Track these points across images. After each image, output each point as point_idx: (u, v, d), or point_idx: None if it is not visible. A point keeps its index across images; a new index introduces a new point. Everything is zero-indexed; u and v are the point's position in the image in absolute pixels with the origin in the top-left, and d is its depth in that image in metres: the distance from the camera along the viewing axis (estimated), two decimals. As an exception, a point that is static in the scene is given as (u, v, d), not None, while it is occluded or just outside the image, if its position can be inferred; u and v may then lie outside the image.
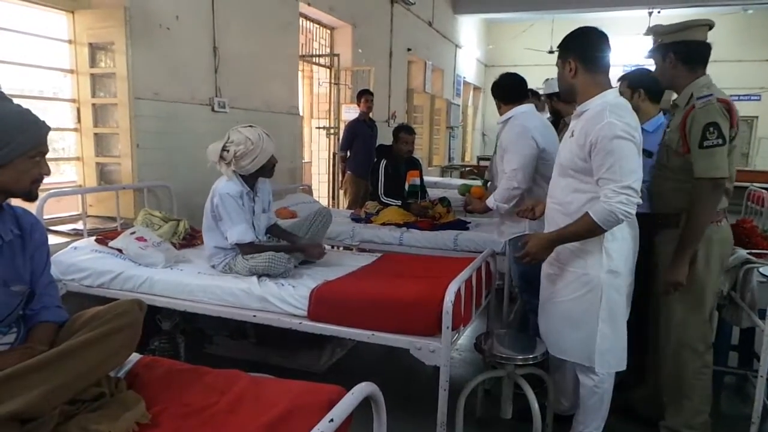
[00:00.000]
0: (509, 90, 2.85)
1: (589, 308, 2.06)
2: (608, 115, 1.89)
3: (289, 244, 2.87)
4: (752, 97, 12.06)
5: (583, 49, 2.03)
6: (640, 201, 1.90)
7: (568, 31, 2.13)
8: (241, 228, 2.65)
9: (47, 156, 1.50)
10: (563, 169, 2.10)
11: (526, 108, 2.80)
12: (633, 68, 2.93)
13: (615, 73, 2.17)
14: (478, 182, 3.24)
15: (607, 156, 1.87)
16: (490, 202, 2.82)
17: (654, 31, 2.28)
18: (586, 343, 2.09)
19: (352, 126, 5.57)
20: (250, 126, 2.72)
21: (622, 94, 2.64)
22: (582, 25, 2.16)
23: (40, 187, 1.53)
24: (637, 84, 2.67)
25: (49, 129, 1.46)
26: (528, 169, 2.67)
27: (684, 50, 2.18)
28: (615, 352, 2.10)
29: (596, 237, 1.99)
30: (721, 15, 10.16)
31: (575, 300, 2.10)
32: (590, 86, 2.01)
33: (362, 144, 5.46)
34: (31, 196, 1.49)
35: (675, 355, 2.27)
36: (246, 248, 2.67)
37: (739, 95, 11.26)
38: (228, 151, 2.65)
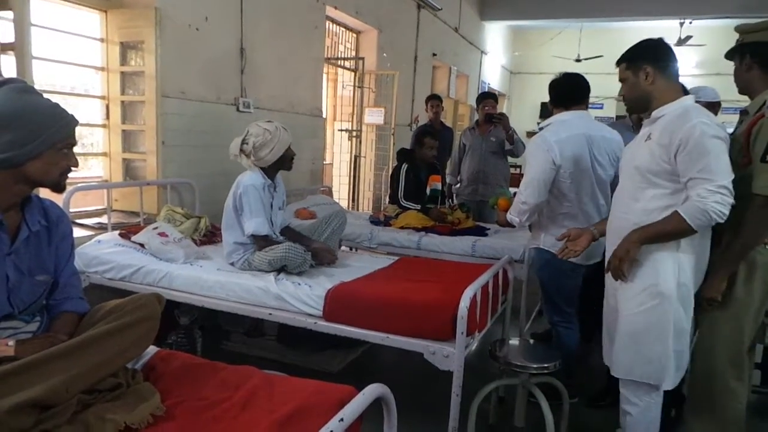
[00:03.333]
0: (558, 92, 2.69)
1: (657, 322, 1.95)
2: (696, 116, 1.84)
3: (306, 241, 2.90)
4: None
5: (660, 56, 2.00)
6: (734, 202, 1.80)
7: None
8: (259, 220, 2.71)
9: (75, 149, 1.54)
10: (641, 174, 1.97)
11: (570, 116, 2.61)
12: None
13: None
14: (509, 192, 3.04)
15: (701, 155, 1.79)
16: (508, 215, 2.73)
17: (738, 29, 2.15)
18: (653, 359, 1.98)
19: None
20: (268, 121, 2.83)
21: None
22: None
23: (68, 182, 1.58)
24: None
25: (77, 122, 1.51)
26: (538, 184, 2.53)
27: (762, 52, 2.03)
28: (679, 369, 2.02)
29: (670, 247, 1.91)
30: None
31: (641, 314, 1.98)
32: (667, 92, 1.98)
33: None
34: (59, 188, 1.53)
35: (703, 381, 2.13)
36: (261, 241, 2.72)
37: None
38: (247, 143, 2.75)
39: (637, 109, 2.18)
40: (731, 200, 1.78)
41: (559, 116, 2.65)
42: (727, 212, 1.78)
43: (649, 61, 1.99)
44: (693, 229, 1.82)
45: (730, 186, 1.78)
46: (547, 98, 2.79)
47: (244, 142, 2.76)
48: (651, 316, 1.96)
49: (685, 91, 2.33)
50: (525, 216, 2.63)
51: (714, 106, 3.49)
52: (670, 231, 1.88)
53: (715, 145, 1.80)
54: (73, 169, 1.52)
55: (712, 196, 1.77)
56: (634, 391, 2.05)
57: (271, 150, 2.75)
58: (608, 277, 2.12)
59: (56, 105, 1.48)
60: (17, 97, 1.41)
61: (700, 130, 1.80)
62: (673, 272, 1.93)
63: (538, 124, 2.86)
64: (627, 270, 1.96)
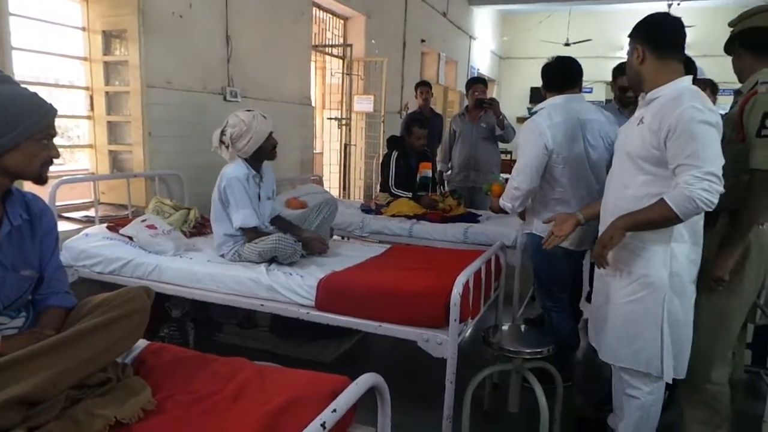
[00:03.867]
0: (551, 76, 2.66)
1: (649, 312, 1.90)
2: (688, 100, 1.76)
3: (296, 230, 2.88)
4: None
5: (652, 34, 1.90)
6: (722, 190, 1.72)
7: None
8: (246, 212, 2.67)
9: (56, 140, 1.49)
10: (632, 160, 1.91)
11: (562, 100, 2.60)
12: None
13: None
14: (502, 178, 3.02)
15: (689, 141, 1.72)
16: (501, 201, 2.70)
17: (729, 25, 2.17)
18: (645, 348, 1.93)
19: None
20: (248, 110, 2.76)
21: None
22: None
23: (54, 174, 1.54)
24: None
25: (56, 112, 1.46)
26: (531, 169, 2.51)
27: (746, 38, 2.06)
28: (679, 360, 1.94)
29: (662, 236, 1.85)
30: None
31: (634, 302, 1.94)
32: (659, 72, 1.88)
33: None
34: (41, 180, 1.48)
35: (695, 363, 2.06)
36: (250, 233, 2.69)
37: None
38: (225, 134, 2.70)
39: (634, 88, 2.09)
40: (720, 188, 1.72)
41: (552, 100, 2.62)
42: (715, 200, 1.71)
43: (641, 39, 1.91)
44: (679, 218, 1.75)
45: (720, 173, 1.72)
46: (536, 83, 2.76)
47: (222, 133, 2.72)
48: (641, 305, 1.92)
49: (690, 68, 2.28)
50: (518, 202, 2.61)
51: (701, 83, 3.43)
52: (655, 219, 1.81)
53: (704, 130, 1.72)
54: (54, 160, 1.48)
55: (699, 183, 1.69)
56: (635, 375, 2.01)
57: (248, 141, 2.68)
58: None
59: (34, 94, 1.44)
60: None
61: (689, 115, 1.73)
62: (664, 262, 1.87)
63: (529, 109, 2.81)
64: (610, 258, 1.91)
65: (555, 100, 2.61)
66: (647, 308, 1.91)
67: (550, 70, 2.67)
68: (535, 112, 2.66)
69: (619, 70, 3.18)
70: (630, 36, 1.97)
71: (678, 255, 1.87)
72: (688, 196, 1.70)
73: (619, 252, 1.95)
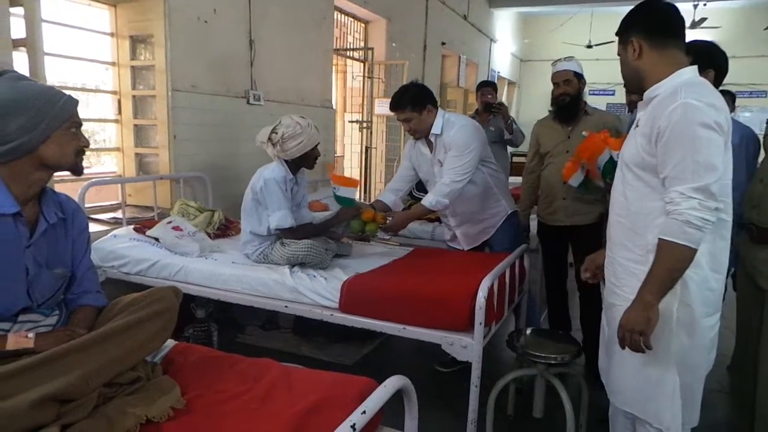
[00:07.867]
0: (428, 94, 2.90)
1: (656, 351, 1.55)
2: (683, 95, 1.47)
3: (331, 218, 2.95)
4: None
5: (647, 23, 1.65)
6: (720, 206, 1.47)
7: (609, 24, 1.82)
8: (282, 213, 2.69)
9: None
10: (629, 169, 1.65)
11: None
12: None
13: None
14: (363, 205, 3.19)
15: (678, 147, 1.45)
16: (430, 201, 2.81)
17: None
18: (652, 394, 1.64)
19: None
20: (302, 116, 2.81)
21: None
22: (622, 18, 1.85)
23: (82, 176, 1.57)
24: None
25: (76, 101, 1.51)
26: None
27: None
28: (687, 408, 1.64)
29: None
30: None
31: None
32: (660, 65, 1.62)
33: None
34: (77, 169, 1.52)
35: None
36: (287, 233, 2.70)
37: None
38: (277, 132, 2.72)
39: (632, 89, 1.79)
40: (712, 204, 1.44)
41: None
42: (710, 218, 1.44)
43: (636, 31, 1.66)
44: (692, 248, 1.46)
45: (714, 189, 1.45)
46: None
47: (273, 131, 2.74)
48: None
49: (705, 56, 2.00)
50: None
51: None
52: (673, 266, 1.49)
53: (699, 134, 1.44)
54: (85, 149, 1.52)
55: (686, 203, 1.44)
56: (644, 424, 1.73)
57: (299, 143, 2.71)
58: (606, 291, 1.80)
59: (50, 87, 1.49)
60: (16, 85, 1.42)
61: (679, 114, 1.45)
62: (674, 290, 1.54)
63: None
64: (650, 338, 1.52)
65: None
66: (654, 346, 1.55)
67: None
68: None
69: None
70: (620, 32, 1.73)
71: (690, 283, 1.55)
72: (682, 221, 1.44)
73: (624, 278, 1.68)
